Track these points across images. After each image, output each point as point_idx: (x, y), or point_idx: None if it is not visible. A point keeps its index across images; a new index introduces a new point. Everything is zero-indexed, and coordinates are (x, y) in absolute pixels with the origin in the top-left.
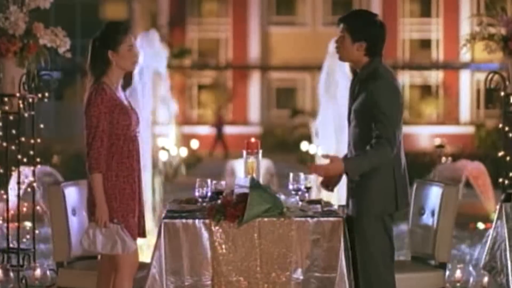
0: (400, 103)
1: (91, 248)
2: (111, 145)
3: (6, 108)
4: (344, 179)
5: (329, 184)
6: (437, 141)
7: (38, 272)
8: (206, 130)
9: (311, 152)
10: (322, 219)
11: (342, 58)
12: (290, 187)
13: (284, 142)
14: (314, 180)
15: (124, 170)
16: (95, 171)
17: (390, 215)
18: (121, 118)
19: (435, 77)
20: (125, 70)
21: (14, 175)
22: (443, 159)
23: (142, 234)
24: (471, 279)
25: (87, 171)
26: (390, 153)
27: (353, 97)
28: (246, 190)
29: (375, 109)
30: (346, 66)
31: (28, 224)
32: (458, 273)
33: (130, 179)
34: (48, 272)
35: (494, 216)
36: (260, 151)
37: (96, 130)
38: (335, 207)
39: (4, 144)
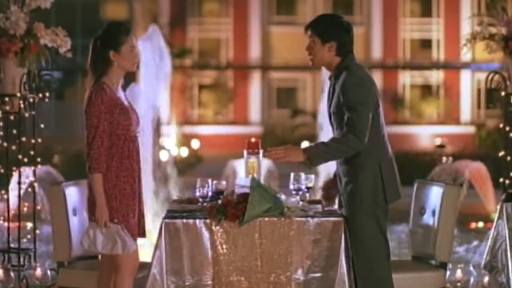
0: (368, 94)
1: (91, 248)
2: (111, 145)
3: (7, 108)
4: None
5: (328, 197)
6: (438, 141)
7: (38, 272)
8: (207, 130)
9: None
10: (323, 219)
11: (315, 64)
12: (291, 187)
13: (284, 142)
14: (315, 180)
15: (124, 170)
16: (95, 171)
17: (385, 213)
18: (122, 118)
19: (436, 77)
20: (126, 70)
21: (15, 175)
22: (444, 159)
23: (142, 234)
24: (472, 279)
25: (87, 171)
26: (358, 144)
27: (330, 100)
28: (247, 190)
29: (344, 103)
30: None
31: (29, 224)
32: (458, 273)
33: (130, 179)
34: (48, 272)
35: (495, 216)
36: (261, 151)
37: (96, 130)
38: (336, 207)
39: (5, 144)
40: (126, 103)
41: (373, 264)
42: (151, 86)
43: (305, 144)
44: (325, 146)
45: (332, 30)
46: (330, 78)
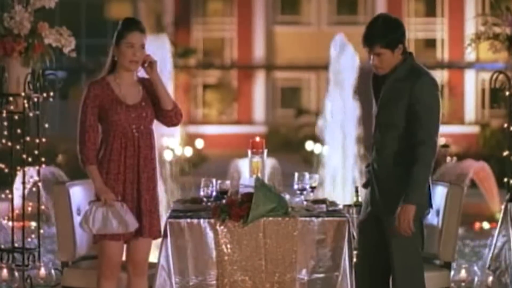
0: (439, 97)
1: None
2: (101, 142)
3: (11, 107)
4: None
5: None
6: (442, 141)
7: (43, 271)
8: (211, 129)
9: (316, 151)
10: (327, 218)
11: (385, 71)
12: (295, 186)
13: (289, 142)
14: (318, 179)
15: (115, 168)
16: (87, 164)
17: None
18: (110, 113)
19: (440, 76)
20: (124, 67)
21: (19, 174)
22: (448, 158)
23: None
24: (476, 279)
25: (80, 165)
26: (434, 150)
27: (378, 94)
28: (251, 190)
29: (419, 106)
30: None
31: (33, 223)
32: (463, 273)
33: (121, 177)
34: (53, 272)
35: (499, 216)
36: (265, 151)
37: (84, 124)
38: (340, 206)
39: (9, 143)
40: (129, 98)
41: (416, 268)
42: None
43: (309, 144)
44: (415, 183)
45: (395, 35)
46: (376, 75)
